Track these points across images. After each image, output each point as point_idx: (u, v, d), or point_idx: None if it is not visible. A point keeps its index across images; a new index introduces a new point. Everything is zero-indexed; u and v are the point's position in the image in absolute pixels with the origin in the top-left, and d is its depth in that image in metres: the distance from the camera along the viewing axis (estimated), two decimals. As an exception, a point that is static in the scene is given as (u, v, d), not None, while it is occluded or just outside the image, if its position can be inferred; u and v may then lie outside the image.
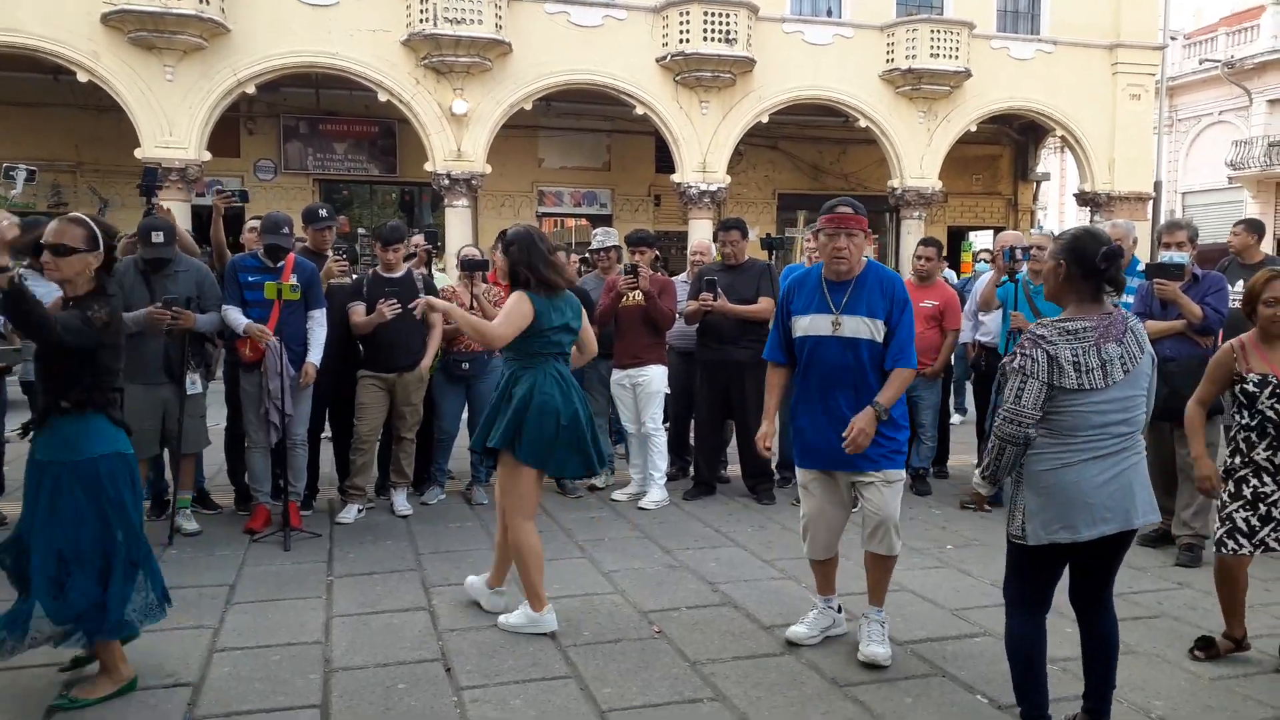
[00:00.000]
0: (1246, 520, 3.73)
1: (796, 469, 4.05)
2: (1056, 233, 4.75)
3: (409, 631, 4.08)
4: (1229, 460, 3.83)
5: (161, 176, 11.67)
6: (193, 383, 5.49)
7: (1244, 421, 3.76)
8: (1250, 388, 3.70)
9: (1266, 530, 3.73)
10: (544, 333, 4.04)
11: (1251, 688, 3.56)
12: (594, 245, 7.11)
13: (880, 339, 3.73)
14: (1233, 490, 3.78)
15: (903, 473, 3.90)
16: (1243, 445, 3.78)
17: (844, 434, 3.66)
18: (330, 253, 6.07)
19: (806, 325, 3.83)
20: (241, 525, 5.71)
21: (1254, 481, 3.74)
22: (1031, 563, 3.00)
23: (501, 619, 4.14)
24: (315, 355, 5.62)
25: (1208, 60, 27.50)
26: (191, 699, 3.39)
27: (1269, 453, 3.72)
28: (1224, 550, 3.77)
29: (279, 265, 5.55)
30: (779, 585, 4.75)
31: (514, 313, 4.01)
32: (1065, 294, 2.99)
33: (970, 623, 4.21)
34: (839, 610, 4.07)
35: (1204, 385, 3.91)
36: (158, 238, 5.28)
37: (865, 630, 3.83)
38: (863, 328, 3.73)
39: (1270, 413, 3.68)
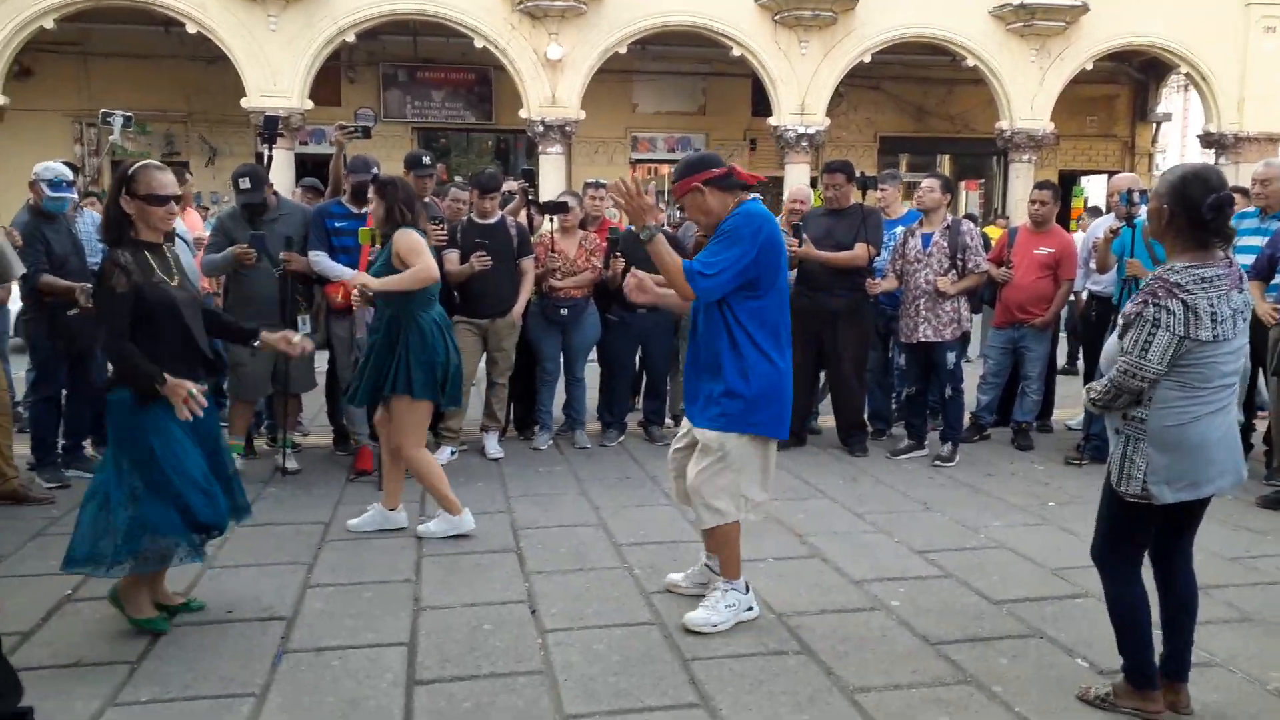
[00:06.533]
0: None
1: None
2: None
3: (497, 573, 4.11)
4: None
5: (281, 126, 11.89)
6: (303, 323, 5.63)
7: None
8: None
9: None
10: None
11: (1382, 662, 3.32)
12: None
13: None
14: None
15: (721, 439, 3.47)
16: None
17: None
18: (429, 225, 5.90)
19: None
20: (339, 464, 5.87)
21: None
22: (1140, 522, 2.88)
23: (420, 528, 4.58)
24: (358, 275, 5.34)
25: (1355, -11, 25.40)
26: (285, 633, 3.49)
27: None
28: None
29: (364, 211, 5.60)
30: (870, 539, 4.63)
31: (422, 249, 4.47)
32: (1170, 240, 2.80)
33: (1071, 583, 4.03)
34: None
35: None
36: (244, 184, 5.46)
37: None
38: None
39: None
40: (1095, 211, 10.68)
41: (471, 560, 4.27)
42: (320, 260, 5.57)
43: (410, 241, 4.45)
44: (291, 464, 5.73)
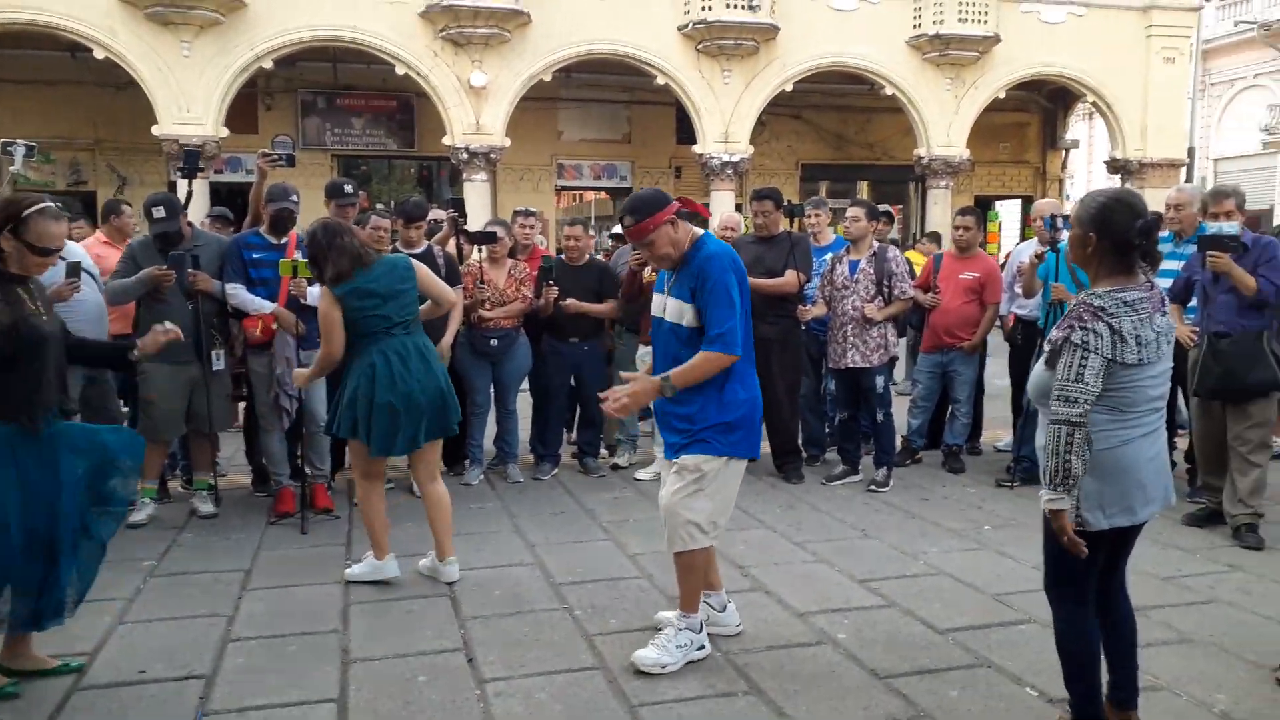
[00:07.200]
0: None
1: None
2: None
3: (429, 619, 3.94)
4: None
5: (202, 159, 11.45)
6: (217, 358, 5.38)
7: None
8: None
9: None
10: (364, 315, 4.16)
11: (1317, 679, 3.36)
12: (618, 230, 6.93)
13: (689, 323, 3.43)
14: None
15: (699, 461, 3.44)
16: None
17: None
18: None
19: (654, 304, 3.62)
20: (257, 506, 5.61)
21: None
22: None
23: (347, 571, 4.42)
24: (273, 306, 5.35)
25: (1243, 22, 26.73)
26: (204, 693, 3.27)
27: None
28: None
29: (283, 241, 5.41)
30: (811, 569, 4.58)
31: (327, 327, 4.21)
32: (1094, 266, 2.81)
33: (1014, 609, 4.02)
34: (720, 609, 3.76)
35: None
36: (159, 213, 5.23)
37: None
38: (674, 309, 3.47)
39: None
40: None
41: (402, 607, 4.08)
42: (238, 293, 5.34)
43: (320, 312, 4.25)
44: (207, 507, 5.45)
